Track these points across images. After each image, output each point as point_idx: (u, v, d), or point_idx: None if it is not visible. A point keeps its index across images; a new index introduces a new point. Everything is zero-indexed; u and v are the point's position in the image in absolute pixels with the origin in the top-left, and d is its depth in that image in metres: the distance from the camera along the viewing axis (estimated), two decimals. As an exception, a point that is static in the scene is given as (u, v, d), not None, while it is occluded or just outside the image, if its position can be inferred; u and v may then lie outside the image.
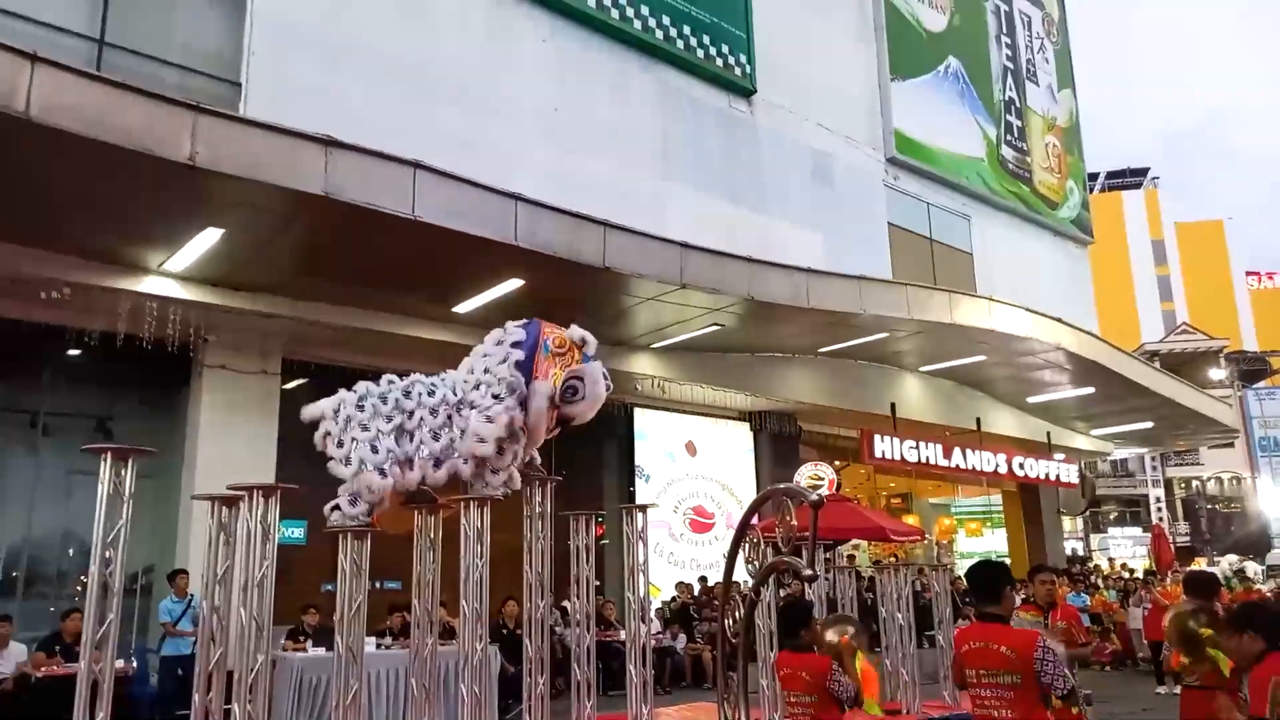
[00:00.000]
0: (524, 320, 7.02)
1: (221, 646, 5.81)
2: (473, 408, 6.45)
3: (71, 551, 10.87)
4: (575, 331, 6.81)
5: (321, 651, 8.87)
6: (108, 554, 5.03)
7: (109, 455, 5.11)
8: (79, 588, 10.46)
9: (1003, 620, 3.97)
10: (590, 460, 15.22)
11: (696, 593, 15.02)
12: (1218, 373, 41.44)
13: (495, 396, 6.41)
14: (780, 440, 17.60)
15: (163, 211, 8.77)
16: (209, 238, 9.19)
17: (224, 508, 5.96)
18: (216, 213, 8.79)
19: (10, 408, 10.88)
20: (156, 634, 10.13)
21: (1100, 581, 20.32)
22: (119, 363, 10.69)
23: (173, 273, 10.00)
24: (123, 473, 5.11)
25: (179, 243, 9.32)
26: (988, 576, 4.09)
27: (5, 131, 6.98)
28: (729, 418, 17.26)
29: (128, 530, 5.08)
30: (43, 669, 8.69)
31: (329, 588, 8.01)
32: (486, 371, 6.59)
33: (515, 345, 6.66)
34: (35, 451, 10.91)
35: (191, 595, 9.61)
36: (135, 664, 9.72)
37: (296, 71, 11.50)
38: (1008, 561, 19.96)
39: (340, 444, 6.25)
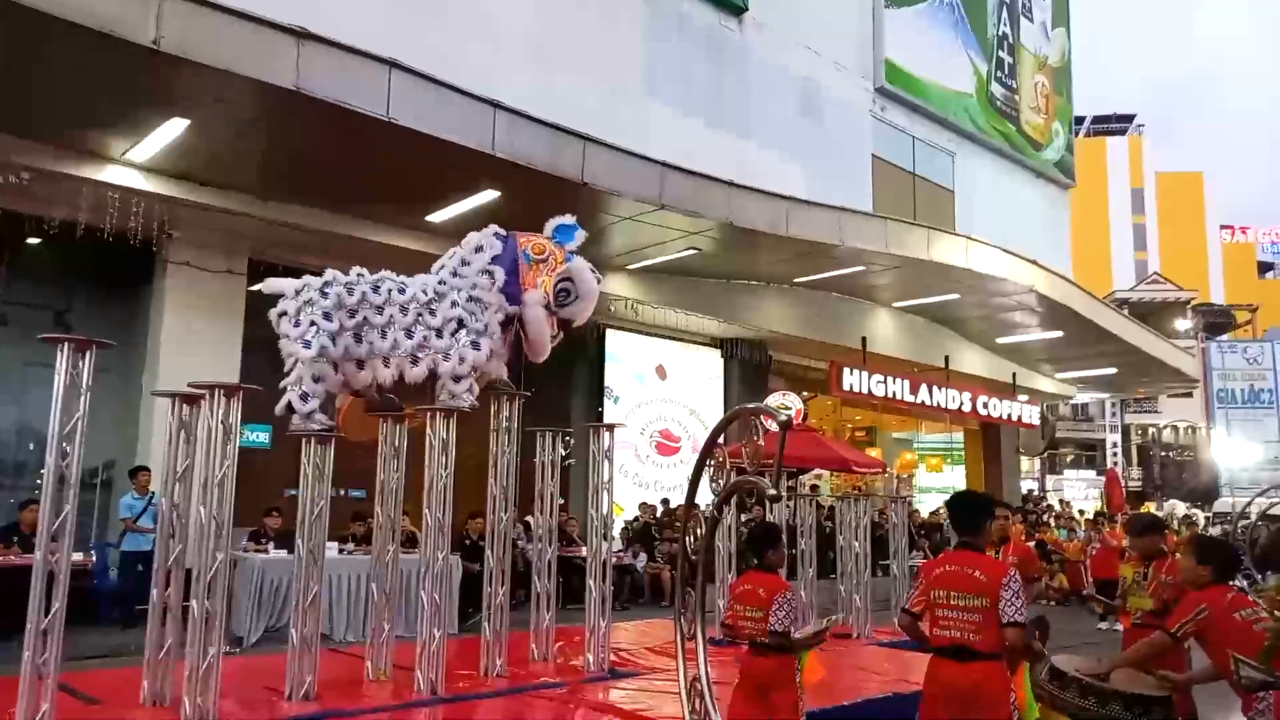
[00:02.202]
0: (499, 231, 6.88)
1: (181, 544, 5.79)
2: (461, 326, 6.42)
3: (31, 445, 10.75)
4: (555, 221, 6.87)
5: (283, 554, 8.89)
6: (64, 446, 4.94)
7: (66, 346, 4.99)
8: (39, 480, 10.35)
9: (979, 549, 4.12)
10: (560, 379, 15.19)
11: (659, 514, 15.22)
12: (1184, 323, 42.11)
13: (477, 334, 6.43)
14: (750, 368, 17.67)
15: (126, 98, 8.43)
16: (174, 128, 8.87)
17: (185, 405, 5.87)
18: (182, 102, 8.47)
19: (-35, 296, 10.61)
20: (118, 529, 10.11)
21: (1052, 520, 20.86)
22: (80, 254, 10.41)
23: (136, 163, 9.67)
24: (80, 365, 5.00)
25: (143, 132, 9.00)
26: (971, 507, 4.24)
27: (-42, 2, 6.62)
28: (700, 343, 17.28)
29: (85, 423, 4.99)
30: (-1, 559, 8.66)
31: (292, 493, 7.99)
32: (475, 287, 6.55)
33: (495, 260, 6.59)
34: (-8, 341, 10.70)
35: (152, 492, 9.55)
36: (95, 557, 9.71)
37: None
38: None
39: (297, 324, 6.16)
